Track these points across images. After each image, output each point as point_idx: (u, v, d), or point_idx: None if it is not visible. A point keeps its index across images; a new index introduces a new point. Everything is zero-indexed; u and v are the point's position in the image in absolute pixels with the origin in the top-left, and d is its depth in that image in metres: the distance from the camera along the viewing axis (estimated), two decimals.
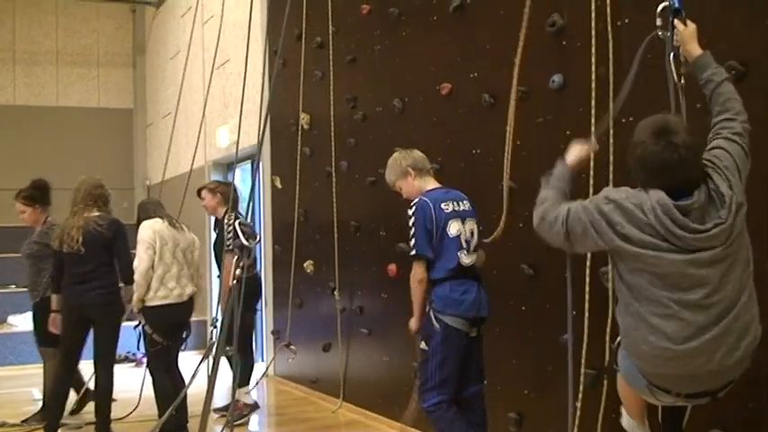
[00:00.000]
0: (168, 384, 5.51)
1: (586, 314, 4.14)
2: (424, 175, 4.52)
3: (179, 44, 11.89)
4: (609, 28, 4.04)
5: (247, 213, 4.16)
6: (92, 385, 6.22)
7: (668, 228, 2.66)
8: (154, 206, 5.92)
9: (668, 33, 3.09)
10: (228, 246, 6.33)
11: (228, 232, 6.40)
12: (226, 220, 6.53)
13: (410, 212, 4.31)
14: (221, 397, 6.87)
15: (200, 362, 5.19)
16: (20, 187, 6.53)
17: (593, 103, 4.09)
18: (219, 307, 6.43)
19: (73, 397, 6.23)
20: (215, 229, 6.77)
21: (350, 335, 6.62)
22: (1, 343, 9.76)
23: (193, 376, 5.02)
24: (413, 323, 4.39)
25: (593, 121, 4.09)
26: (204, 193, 6.80)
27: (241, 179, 9.88)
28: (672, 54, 3.12)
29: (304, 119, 7.36)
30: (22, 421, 6.40)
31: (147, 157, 14.33)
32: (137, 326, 5.78)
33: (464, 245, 4.32)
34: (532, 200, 4.54)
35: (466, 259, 4.31)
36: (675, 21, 3.10)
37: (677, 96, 3.20)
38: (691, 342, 2.67)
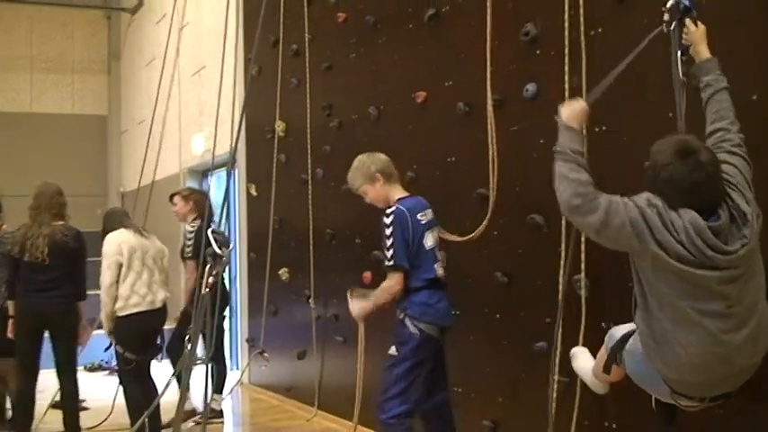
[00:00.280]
0: (140, 393, 5.46)
1: (560, 322, 4.15)
2: (392, 181, 4.45)
3: (154, 51, 11.84)
4: (582, 38, 4.07)
5: (220, 221, 4.12)
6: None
7: (699, 248, 2.67)
8: (120, 216, 5.87)
9: (673, 29, 3.06)
10: (188, 253, 6.32)
11: (189, 240, 6.39)
12: (188, 228, 6.52)
13: (387, 221, 4.22)
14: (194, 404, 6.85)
15: (175, 371, 5.16)
16: None
17: None
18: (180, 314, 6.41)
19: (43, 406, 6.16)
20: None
21: (325, 342, 6.61)
22: None
23: (167, 385, 4.99)
24: (359, 308, 4.41)
25: None
26: (176, 199, 6.79)
27: (217, 186, 9.85)
28: (679, 52, 3.09)
29: (280, 126, 7.36)
30: None
31: (122, 164, 14.25)
32: (108, 348, 5.74)
33: (438, 256, 4.33)
34: (507, 207, 4.62)
35: (440, 271, 4.32)
36: (687, 20, 3.09)
37: (681, 95, 3.16)
38: (715, 349, 2.70)
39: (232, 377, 8.31)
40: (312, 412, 6.70)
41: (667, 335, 2.74)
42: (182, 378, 3.76)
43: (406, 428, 4.15)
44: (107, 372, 9.38)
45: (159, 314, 5.63)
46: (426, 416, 4.34)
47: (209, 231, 3.04)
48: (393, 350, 4.22)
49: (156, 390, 5.53)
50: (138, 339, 5.51)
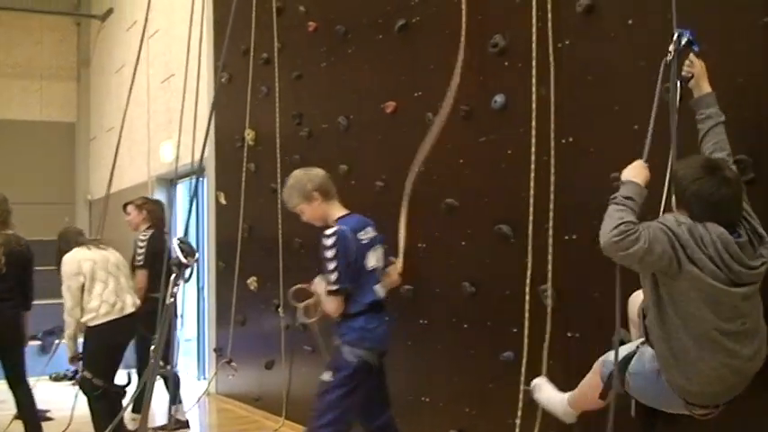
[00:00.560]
0: (105, 404, 5.41)
1: (526, 332, 4.18)
2: (330, 198, 4.23)
3: (124, 58, 11.77)
4: (550, 50, 4.11)
5: (186, 230, 4.07)
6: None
7: (726, 263, 2.75)
8: (74, 236, 5.83)
9: (673, 60, 3.10)
10: (139, 262, 6.27)
11: (141, 248, 6.34)
12: (140, 237, 6.47)
13: (329, 243, 3.99)
14: (159, 416, 6.81)
15: (140, 383, 5.11)
16: None
17: (533, 123, 4.15)
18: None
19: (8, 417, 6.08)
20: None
21: (293, 352, 6.57)
22: None
23: (133, 396, 4.94)
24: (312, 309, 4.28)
25: (533, 141, 4.15)
26: (130, 208, 6.75)
27: (185, 194, 9.80)
28: (678, 82, 3.13)
29: (249, 135, 7.34)
30: None
31: (90, 171, 14.13)
32: (73, 376, 5.68)
33: (379, 277, 4.18)
34: (474, 218, 4.65)
35: (381, 293, 4.16)
36: (691, 54, 3.14)
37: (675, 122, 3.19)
38: (730, 362, 2.80)
39: (199, 387, 8.28)
40: (280, 422, 6.67)
41: (690, 353, 2.80)
42: (145, 389, 3.72)
43: None
44: (72, 381, 9.26)
45: (131, 320, 5.60)
46: None
47: (175, 240, 3.01)
48: (328, 376, 4.04)
49: (120, 401, 5.49)
50: (109, 352, 5.46)
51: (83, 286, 5.38)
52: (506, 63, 4.46)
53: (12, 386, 5.68)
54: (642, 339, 3.10)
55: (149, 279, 6.22)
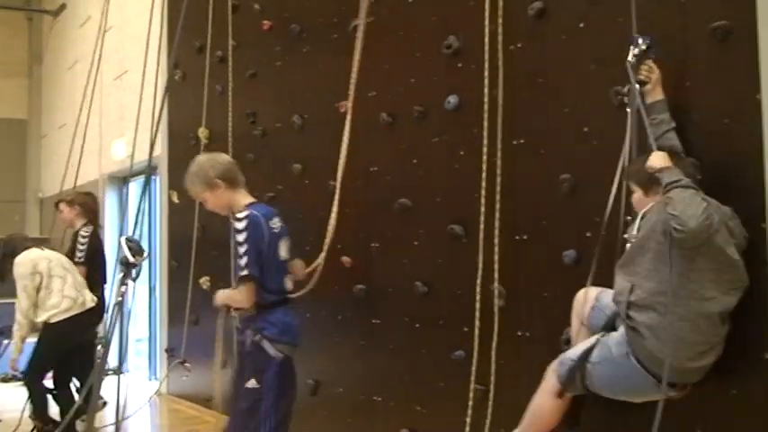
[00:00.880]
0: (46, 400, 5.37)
1: (476, 331, 4.21)
2: (236, 186, 4.07)
3: (77, 54, 11.61)
4: (500, 52, 4.15)
5: (135, 228, 4.02)
6: None
7: (726, 224, 2.90)
8: (21, 241, 5.79)
9: (634, 65, 3.16)
10: (80, 258, 6.16)
11: (82, 245, 6.22)
12: (81, 233, 6.35)
13: (240, 226, 3.84)
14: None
15: (88, 383, 5.06)
16: None
17: (485, 124, 4.19)
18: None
19: None
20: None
21: None
22: None
23: (82, 399, 4.88)
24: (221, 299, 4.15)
25: (485, 141, 4.18)
26: (62, 205, 6.61)
27: (138, 193, 9.70)
28: (637, 85, 3.19)
29: (203, 133, 7.28)
30: None
31: (41, 169, 13.91)
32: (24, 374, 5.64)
33: (288, 269, 4.11)
34: (427, 218, 4.67)
35: (290, 284, 4.10)
36: (650, 60, 3.21)
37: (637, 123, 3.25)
38: (715, 339, 2.94)
39: (151, 387, 8.20)
40: None
41: (688, 328, 2.88)
42: (92, 390, 3.69)
43: None
44: (22, 382, 9.11)
45: (91, 315, 5.57)
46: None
47: (123, 239, 2.98)
48: (253, 383, 3.84)
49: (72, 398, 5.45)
50: (62, 351, 5.41)
51: (39, 285, 5.33)
52: (460, 64, 4.49)
53: None
54: (601, 333, 3.16)
55: (86, 277, 6.12)
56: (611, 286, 3.22)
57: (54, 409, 5.79)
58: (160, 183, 8.43)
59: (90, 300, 5.53)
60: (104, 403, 5.92)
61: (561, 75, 3.92)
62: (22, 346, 5.44)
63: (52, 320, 5.34)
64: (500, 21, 4.15)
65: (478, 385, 4.21)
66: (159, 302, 8.61)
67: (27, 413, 5.67)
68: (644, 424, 3.19)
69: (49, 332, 5.39)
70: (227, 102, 6.81)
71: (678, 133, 3.24)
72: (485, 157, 4.19)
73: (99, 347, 5.85)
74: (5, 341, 6.45)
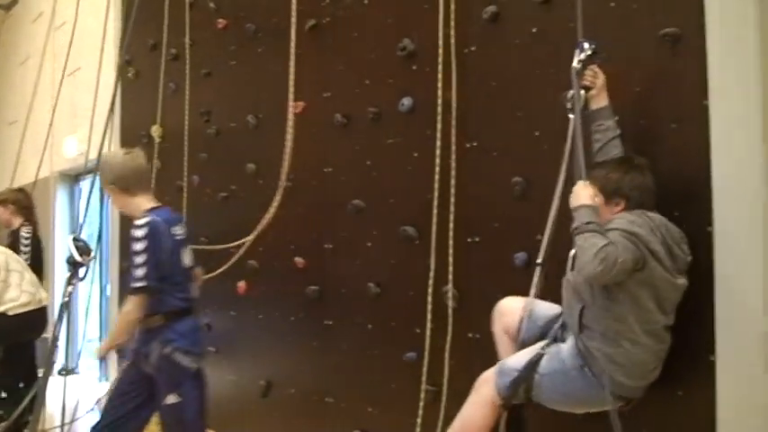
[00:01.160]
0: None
1: (428, 332, 4.23)
2: (137, 191, 3.87)
3: (29, 50, 11.41)
4: (454, 56, 4.17)
5: (81, 227, 3.95)
6: None
7: (671, 247, 2.88)
8: None
9: (579, 69, 3.16)
10: (26, 261, 6.05)
11: (26, 246, 6.09)
12: (23, 233, 6.20)
13: (139, 234, 3.61)
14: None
15: (36, 385, 5.01)
16: None
17: (438, 126, 4.21)
18: None
19: None
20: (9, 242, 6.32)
21: None
22: None
23: (28, 398, 4.82)
24: (104, 348, 3.94)
25: (438, 144, 4.20)
26: None
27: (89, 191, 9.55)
28: (582, 90, 3.20)
29: (156, 131, 7.21)
30: None
31: None
32: None
33: (192, 277, 3.98)
34: (381, 219, 4.68)
35: (195, 293, 3.96)
36: (595, 65, 3.21)
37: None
38: (661, 355, 2.97)
39: (101, 389, 8.08)
40: None
41: (635, 349, 2.90)
42: (39, 391, 3.64)
43: None
44: None
45: (44, 314, 5.53)
46: None
47: (70, 238, 2.93)
48: (174, 398, 3.69)
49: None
50: (17, 338, 5.37)
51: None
52: (414, 67, 4.50)
53: None
54: (545, 342, 3.16)
55: None
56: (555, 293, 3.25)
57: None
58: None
59: (45, 298, 5.48)
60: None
61: (514, 79, 3.96)
62: None
63: (9, 313, 5.29)
64: (453, 24, 4.17)
65: (430, 386, 4.23)
66: (110, 303, 8.50)
67: None
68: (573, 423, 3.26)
69: (3, 323, 5.32)
70: (180, 100, 6.75)
71: (627, 138, 3.28)
72: (438, 160, 4.21)
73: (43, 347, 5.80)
74: None
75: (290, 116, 4.78)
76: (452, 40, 4.18)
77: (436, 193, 4.22)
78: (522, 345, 3.27)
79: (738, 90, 2.98)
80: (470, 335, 4.09)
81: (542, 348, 3.12)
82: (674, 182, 3.16)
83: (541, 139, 3.75)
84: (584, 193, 2.93)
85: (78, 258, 2.99)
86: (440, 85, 4.20)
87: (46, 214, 9.20)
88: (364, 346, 4.80)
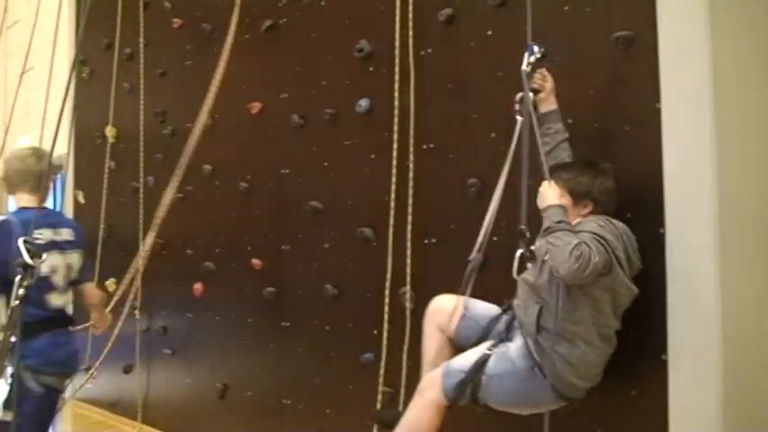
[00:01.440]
0: None
1: (385, 334, 4.23)
2: (27, 190, 3.68)
3: None
4: (411, 57, 4.18)
5: (31, 228, 3.85)
6: None
7: (629, 254, 2.92)
8: None
9: (530, 72, 3.15)
10: None
11: None
12: None
13: None
14: None
15: None
16: None
17: (395, 128, 4.22)
18: None
19: None
20: None
21: (152, 356, 6.43)
22: None
23: None
24: None
25: (395, 145, 4.21)
26: None
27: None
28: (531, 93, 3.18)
29: (111, 132, 7.12)
30: None
31: None
32: None
33: (57, 284, 3.60)
34: (338, 221, 4.67)
35: (57, 301, 3.59)
36: (544, 69, 3.23)
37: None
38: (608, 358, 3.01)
39: None
40: (136, 427, 6.51)
41: (590, 353, 2.94)
42: None
43: None
44: None
45: None
46: None
47: (21, 240, 2.86)
48: (9, 415, 3.28)
49: None
50: None
51: None
52: (371, 68, 4.51)
53: None
54: (491, 342, 3.16)
55: None
56: (503, 292, 3.29)
57: None
58: (66, 182, 8.21)
59: None
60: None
61: (469, 81, 3.98)
62: None
63: None
64: (411, 25, 4.19)
65: (387, 387, 4.23)
66: None
67: None
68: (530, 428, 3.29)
69: None
70: (135, 101, 6.68)
71: (582, 141, 3.32)
72: (395, 161, 4.22)
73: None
74: None
75: (198, 123, 4.68)
76: (410, 42, 4.18)
77: (393, 195, 4.23)
78: (460, 344, 3.28)
79: (690, 93, 3.03)
80: None
81: (489, 349, 3.11)
82: (627, 184, 3.20)
83: (497, 140, 3.77)
84: (550, 193, 2.93)
85: (29, 261, 2.92)
86: (397, 86, 4.22)
87: None
88: (322, 348, 4.79)
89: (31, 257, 2.76)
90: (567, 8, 3.52)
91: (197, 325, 5.89)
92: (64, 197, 8.27)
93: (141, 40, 6.64)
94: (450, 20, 4.04)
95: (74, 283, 3.75)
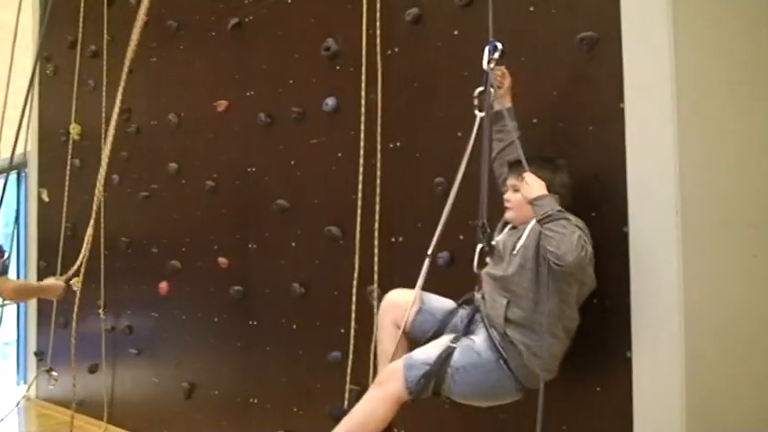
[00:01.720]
0: None
1: (352, 332, 4.24)
2: None
3: None
4: (378, 56, 4.19)
5: None
6: None
7: (588, 249, 2.90)
8: None
9: (492, 70, 3.16)
10: None
11: None
12: None
13: None
14: None
15: None
16: None
17: (362, 127, 4.22)
18: None
19: None
20: None
21: (117, 355, 6.39)
22: None
23: None
24: None
25: (362, 144, 4.22)
26: None
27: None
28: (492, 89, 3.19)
29: (75, 129, 7.05)
30: None
31: None
32: None
33: None
34: (305, 219, 4.67)
35: None
36: (503, 66, 3.22)
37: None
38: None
39: (19, 392, 7.89)
40: (102, 427, 6.46)
41: (556, 345, 2.99)
42: None
43: None
44: None
45: None
46: None
47: None
48: None
49: None
50: None
51: None
52: (338, 67, 4.51)
53: None
54: (453, 335, 3.18)
55: None
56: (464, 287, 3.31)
57: None
58: (29, 180, 8.12)
59: None
60: None
61: (436, 80, 3.99)
62: None
63: None
64: (377, 24, 4.19)
65: (354, 386, 4.23)
66: (27, 304, 8.28)
67: None
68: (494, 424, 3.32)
69: None
70: (99, 98, 6.61)
71: (546, 140, 3.35)
72: (362, 160, 4.23)
73: None
74: None
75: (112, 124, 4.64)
76: (377, 41, 4.19)
77: (360, 194, 4.23)
78: (416, 337, 3.28)
79: (653, 93, 3.07)
80: None
81: (452, 342, 3.11)
82: (591, 183, 3.24)
83: (464, 139, 3.75)
84: (538, 184, 2.96)
85: None
86: (363, 85, 4.22)
87: None
88: (289, 347, 4.78)
89: None
90: (532, 8, 3.55)
91: (163, 324, 5.86)
92: (27, 195, 8.19)
93: (105, 36, 6.58)
94: (417, 19, 4.05)
95: None
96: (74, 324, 5.77)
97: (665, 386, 2.99)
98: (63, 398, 7.29)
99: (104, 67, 6.56)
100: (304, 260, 4.71)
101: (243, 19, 5.17)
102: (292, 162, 4.78)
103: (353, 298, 4.24)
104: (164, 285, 5.79)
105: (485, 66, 3.13)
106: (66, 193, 7.14)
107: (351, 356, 4.24)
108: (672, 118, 3.00)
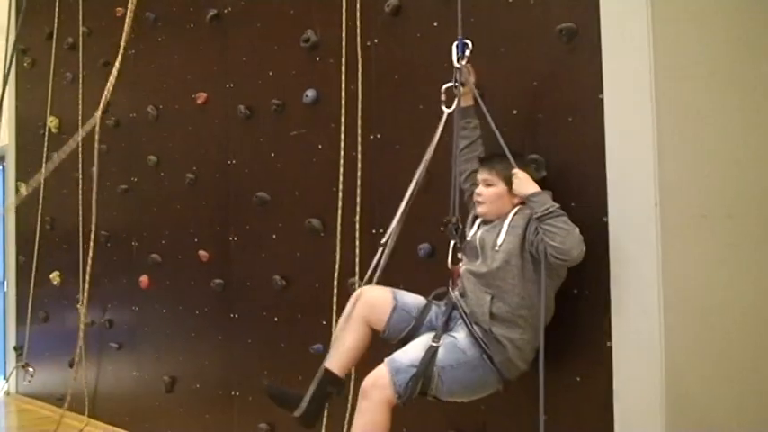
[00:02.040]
0: None
1: (334, 324, 4.23)
2: None
3: None
4: (358, 48, 4.18)
5: None
6: None
7: None
8: None
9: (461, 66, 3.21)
10: None
11: None
12: None
13: None
14: None
15: None
16: None
17: (342, 119, 4.21)
18: None
19: None
20: None
21: (98, 349, 6.36)
22: None
23: None
24: None
25: (342, 137, 4.21)
26: None
27: None
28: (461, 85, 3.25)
29: (52, 122, 7.00)
30: None
31: None
32: None
33: None
34: (286, 211, 4.66)
35: None
36: (469, 64, 3.24)
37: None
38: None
39: None
40: (84, 422, 6.43)
41: (537, 337, 2.99)
42: None
43: None
44: None
45: None
46: None
47: None
48: None
49: None
50: None
51: None
52: (318, 59, 4.49)
53: None
54: (434, 334, 3.16)
55: None
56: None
57: None
58: (6, 173, 8.05)
59: None
60: None
61: (415, 71, 3.99)
62: None
63: None
64: (357, 16, 4.18)
65: None
66: (6, 299, 8.23)
67: None
68: (477, 415, 3.33)
69: None
70: (76, 91, 6.57)
71: (525, 132, 3.36)
72: (342, 152, 4.23)
73: None
74: None
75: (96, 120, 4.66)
76: (357, 32, 4.18)
77: (341, 186, 4.23)
78: (391, 336, 3.27)
79: (632, 84, 3.08)
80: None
81: (433, 341, 3.07)
82: (570, 174, 3.25)
83: (443, 131, 3.78)
84: (530, 180, 3.03)
85: None
86: (343, 77, 4.21)
87: None
88: (270, 339, 4.78)
89: None
90: (510, 0, 3.55)
91: (143, 318, 5.84)
92: (6, 189, 8.13)
93: (82, 28, 6.53)
94: (397, 11, 4.04)
95: None
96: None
97: (645, 375, 3.01)
98: (44, 392, 7.28)
99: (80, 60, 6.52)
100: (285, 253, 4.71)
101: (221, 10, 5.14)
102: (273, 154, 4.77)
103: (335, 290, 4.24)
104: (144, 279, 5.77)
105: (455, 63, 3.21)
106: (42, 187, 7.07)
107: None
108: (651, 109, 3.01)
